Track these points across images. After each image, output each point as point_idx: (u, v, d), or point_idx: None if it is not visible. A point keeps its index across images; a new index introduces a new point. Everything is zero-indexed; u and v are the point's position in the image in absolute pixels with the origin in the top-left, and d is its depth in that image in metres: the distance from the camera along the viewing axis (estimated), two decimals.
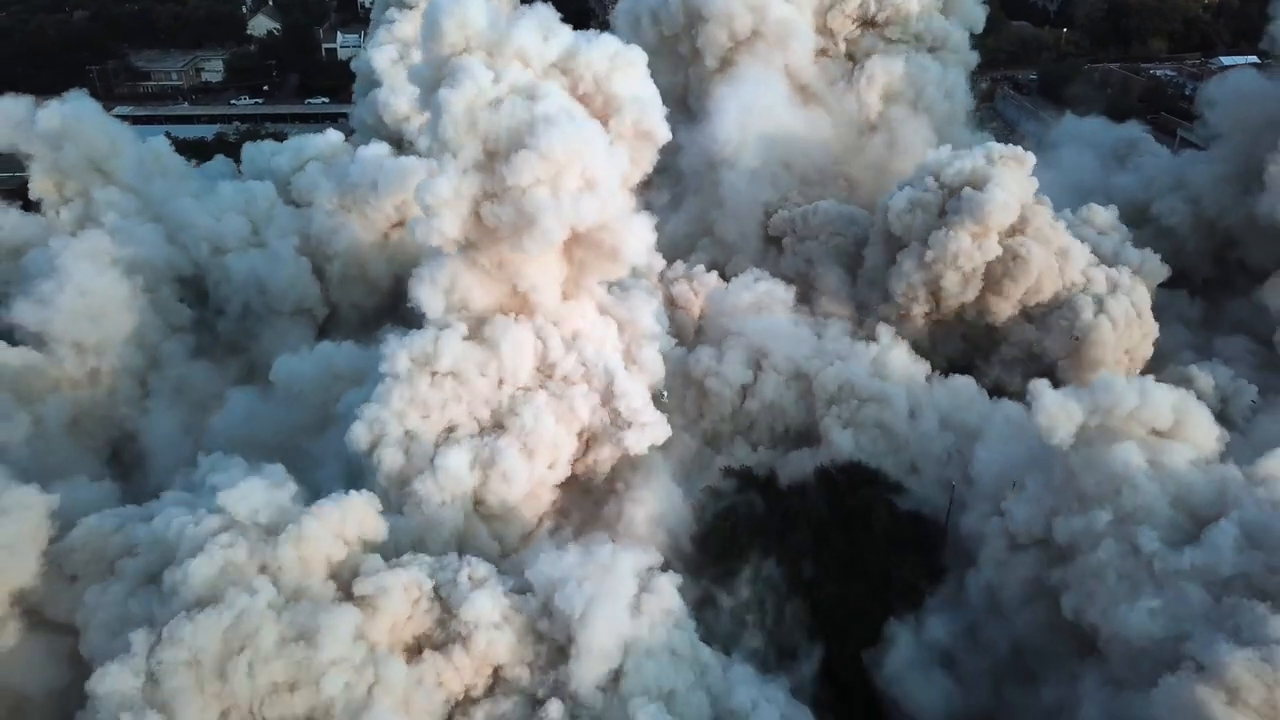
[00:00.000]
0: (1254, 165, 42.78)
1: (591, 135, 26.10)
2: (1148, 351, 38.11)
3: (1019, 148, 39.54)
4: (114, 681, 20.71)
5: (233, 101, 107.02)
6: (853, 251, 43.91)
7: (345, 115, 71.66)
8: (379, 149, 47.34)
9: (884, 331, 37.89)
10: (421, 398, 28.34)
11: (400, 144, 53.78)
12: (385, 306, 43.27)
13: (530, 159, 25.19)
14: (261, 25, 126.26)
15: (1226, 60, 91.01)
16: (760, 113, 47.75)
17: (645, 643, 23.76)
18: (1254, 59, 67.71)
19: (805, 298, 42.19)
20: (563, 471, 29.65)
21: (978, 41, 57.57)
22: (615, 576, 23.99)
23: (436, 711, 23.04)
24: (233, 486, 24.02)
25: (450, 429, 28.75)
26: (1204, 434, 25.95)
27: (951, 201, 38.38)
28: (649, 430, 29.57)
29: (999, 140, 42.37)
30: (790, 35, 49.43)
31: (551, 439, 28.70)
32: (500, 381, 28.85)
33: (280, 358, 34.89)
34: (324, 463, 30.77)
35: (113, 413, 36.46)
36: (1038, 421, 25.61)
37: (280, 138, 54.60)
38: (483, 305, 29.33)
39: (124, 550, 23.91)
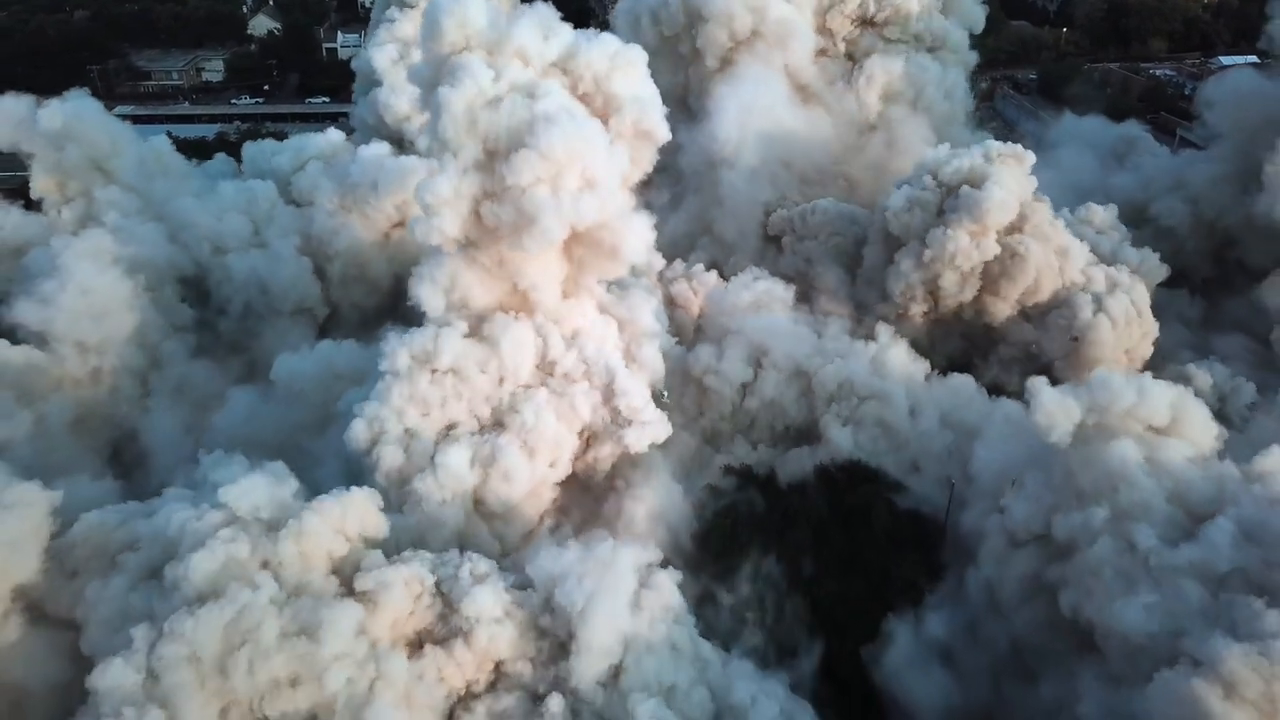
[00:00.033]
0: (1253, 165, 42.86)
1: (591, 134, 26.13)
2: (1147, 351, 38.01)
3: (1018, 146, 39.41)
4: (115, 677, 20.76)
5: (233, 101, 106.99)
6: (852, 251, 43.88)
7: (345, 115, 71.51)
8: (379, 148, 47.40)
9: (883, 330, 37.90)
10: (421, 395, 28.32)
11: (400, 143, 53.64)
12: (386, 306, 43.24)
13: (530, 158, 25.23)
14: (262, 25, 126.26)
15: (1226, 60, 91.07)
16: (760, 112, 47.77)
17: (645, 638, 23.83)
18: (1253, 59, 67.71)
19: (804, 297, 42.18)
20: (563, 469, 29.66)
21: (977, 41, 57.62)
22: (616, 573, 24.03)
23: (438, 706, 23.08)
24: (234, 482, 24.03)
25: (450, 427, 28.74)
26: (1201, 431, 26.00)
27: (950, 200, 38.33)
28: (649, 428, 29.64)
29: (999, 140, 42.07)
30: (790, 35, 49.49)
31: (552, 437, 28.72)
32: (500, 379, 28.85)
33: (281, 357, 34.89)
34: (324, 461, 30.70)
35: (114, 412, 36.47)
36: (1036, 419, 25.68)
37: (281, 137, 54.36)
38: (483, 303, 29.34)
39: (125, 545, 23.91)
